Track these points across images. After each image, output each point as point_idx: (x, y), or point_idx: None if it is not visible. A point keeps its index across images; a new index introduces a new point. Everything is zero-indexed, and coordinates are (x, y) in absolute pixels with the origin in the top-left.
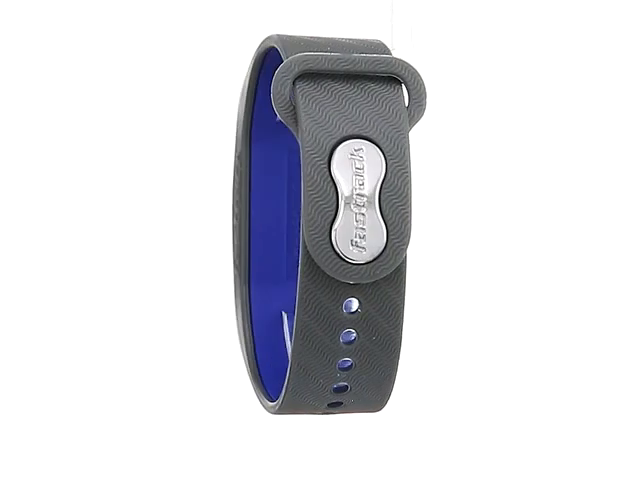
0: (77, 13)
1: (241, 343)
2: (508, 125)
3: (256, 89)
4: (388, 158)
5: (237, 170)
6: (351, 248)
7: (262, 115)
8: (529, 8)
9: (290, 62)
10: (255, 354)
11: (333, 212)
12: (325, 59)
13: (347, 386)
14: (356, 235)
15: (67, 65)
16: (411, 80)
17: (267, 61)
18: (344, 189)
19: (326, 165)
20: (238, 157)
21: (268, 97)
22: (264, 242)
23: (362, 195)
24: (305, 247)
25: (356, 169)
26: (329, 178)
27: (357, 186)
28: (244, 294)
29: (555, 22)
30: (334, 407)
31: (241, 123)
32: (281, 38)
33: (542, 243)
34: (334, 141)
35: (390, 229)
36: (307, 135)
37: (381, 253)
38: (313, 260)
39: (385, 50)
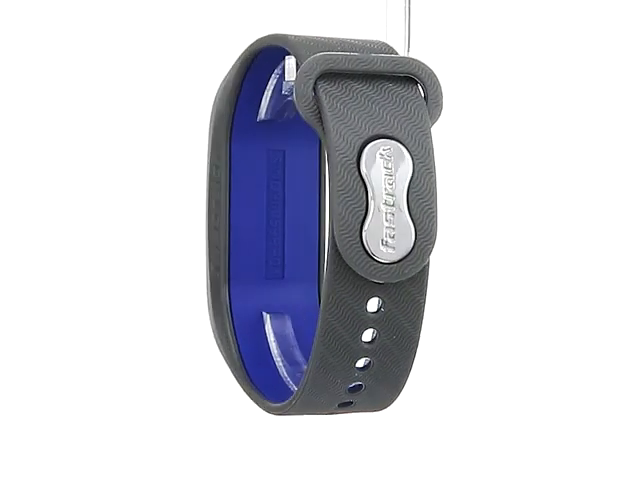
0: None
1: (224, 344)
2: (506, 124)
3: (240, 89)
4: (414, 158)
5: (216, 169)
6: (381, 248)
7: (243, 115)
8: (516, 7)
9: (312, 62)
10: (241, 356)
11: (363, 212)
12: (345, 59)
13: (362, 385)
14: (386, 235)
15: (36, 59)
16: (428, 80)
17: (256, 62)
18: (374, 189)
19: (355, 165)
20: (218, 157)
21: (251, 97)
22: (244, 242)
23: (392, 195)
24: (334, 247)
25: (385, 169)
26: (359, 178)
27: (387, 186)
28: (224, 295)
29: (551, 20)
30: (343, 407)
31: (222, 123)
32: (289, 38)
33: (555, 241)
34: (361, 141)
35: (418, 229)
36: (335, 135)
37: (409, 253)
38: (342, 260)
39: (392, 50)
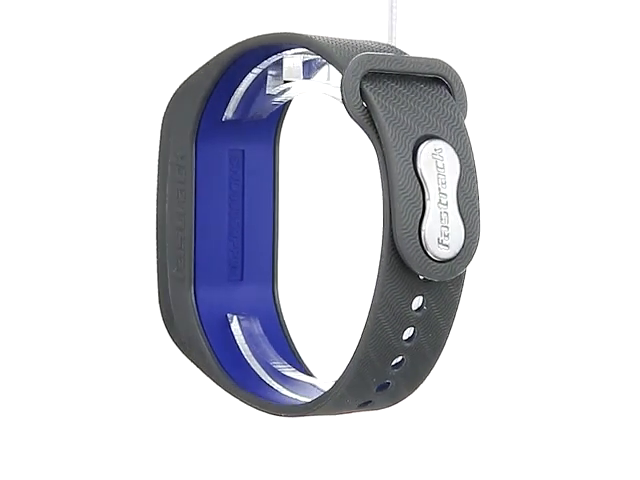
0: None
1: (197, 350)
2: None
3: (214, 88)
4: (460, 158)
5: (179, 170)
6: (438, 246)
7: (210, 115)
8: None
9: (357, 62)
10: (220, 361)
11: (421, 211)
12: (385, 59)
13: (389, 383)
14: (442, 233)
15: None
16: (454, 81)
17: (237, 63)
18: (430, 188)
19: (412, 164)
20: (181, 157)
21: (221, 97)
22: (208, 244)
23: (445, 194)
24: (391, 245)
25: (438, 168)
26: (416, 177)
27: (440, 185)
28: (190, 298)
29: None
30: (362, 406)
31: (188, 123)
32: (315, 39)
33: (559, 239)
34: (414, 140)
35: (466, 227)
36: (391, 134)
37: (460, 251)
38: (398, 259)
39: (403, 52)
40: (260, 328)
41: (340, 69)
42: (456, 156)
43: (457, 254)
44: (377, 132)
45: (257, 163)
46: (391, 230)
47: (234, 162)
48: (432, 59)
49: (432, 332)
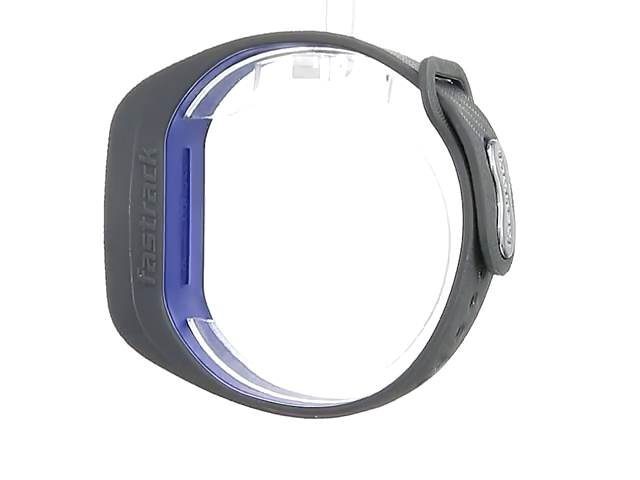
0: None
1: (181, 359)
2: None
3: (197, 83)
4: (506, 159)
5: (147, 169)
6: (507, 244)
7: (179, 112)
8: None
9: (431, 67)
10: (209, 368)
11: (496, 210)
12: (441, 64)
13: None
14: (509, 231)
15: None
16: (468, 85)
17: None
18: (500, 188)
19: (489, 165)
20: (152, 155)
21: (193, 94)
22: (173, 246)
23: (507, 194)
24: (475, 244)
25: (500, 169)
26: (492, 178)
27: (505, 185)
28: (162, 303)
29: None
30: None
31: (161, 121)
32: (370, 46)
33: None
34: (483, 141)
35: (516, 226)
36: (472, 137)
37: (514, 248)
38: (475, 257)
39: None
40: (219, 329)
41: (407, 74)
42: (505, 156)
43: (514, 251)
44: (456, 134)
45: (196, 162)
46: (475, 229)
47: (185, 161)
48: (454, 62)
49: (469, 327)
